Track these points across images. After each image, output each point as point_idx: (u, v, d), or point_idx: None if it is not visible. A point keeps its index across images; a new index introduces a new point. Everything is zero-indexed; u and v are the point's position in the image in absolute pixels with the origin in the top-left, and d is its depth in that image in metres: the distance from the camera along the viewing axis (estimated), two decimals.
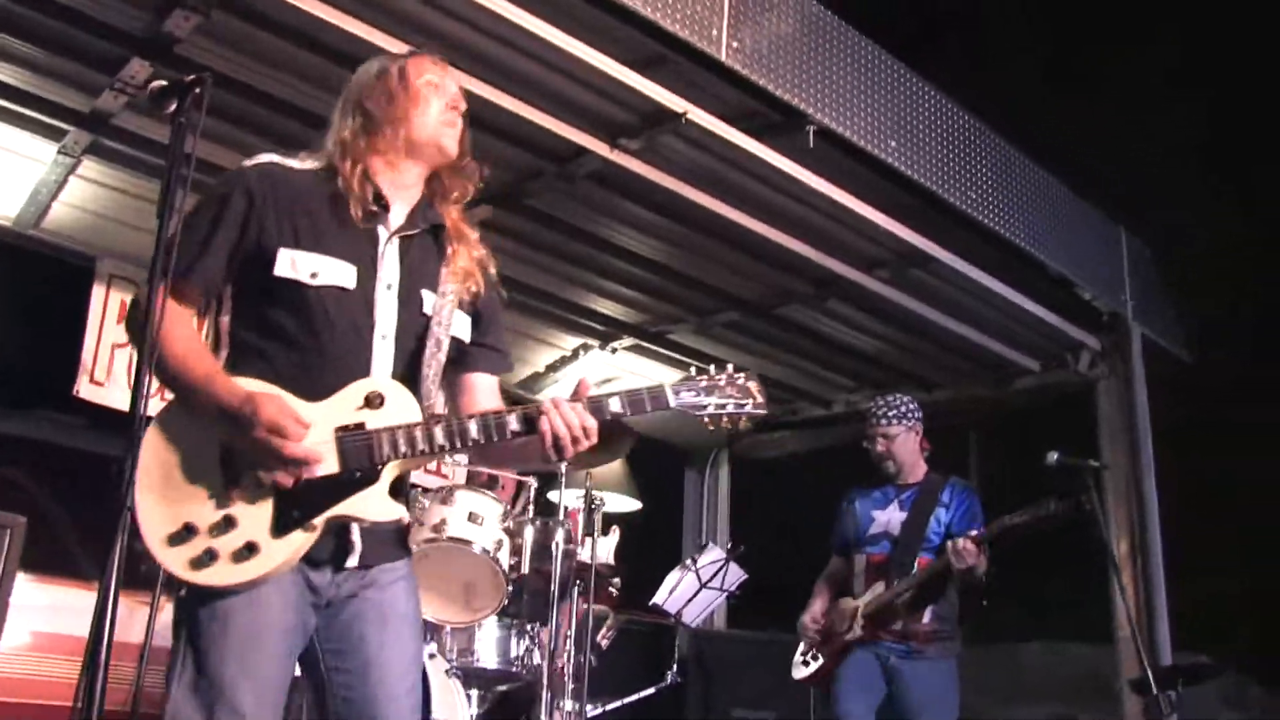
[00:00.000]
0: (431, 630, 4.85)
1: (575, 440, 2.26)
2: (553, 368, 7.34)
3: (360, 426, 2.24)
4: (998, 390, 7.14)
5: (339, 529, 2.26)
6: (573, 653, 5.21)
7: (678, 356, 7.08)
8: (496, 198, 5.28)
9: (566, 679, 5.12)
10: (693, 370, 2.42)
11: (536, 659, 5.13)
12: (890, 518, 4.71)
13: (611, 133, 4.79)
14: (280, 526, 2.17)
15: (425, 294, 2.42)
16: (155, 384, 2.16)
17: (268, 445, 2.14)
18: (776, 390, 7.46)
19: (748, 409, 2.41)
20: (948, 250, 5.73)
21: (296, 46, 4.23)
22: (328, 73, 4.32)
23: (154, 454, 2.20)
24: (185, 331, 2.25)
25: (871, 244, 5.66)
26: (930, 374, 7.20)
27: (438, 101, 2.48)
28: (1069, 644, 11.01)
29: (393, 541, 2.39)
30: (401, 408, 2.27)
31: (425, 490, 4.99)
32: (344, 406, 2.25)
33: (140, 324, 2.13)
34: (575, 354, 7.18)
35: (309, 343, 2.29)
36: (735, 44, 4.56)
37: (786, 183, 5.07)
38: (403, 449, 2.23)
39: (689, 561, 6.08)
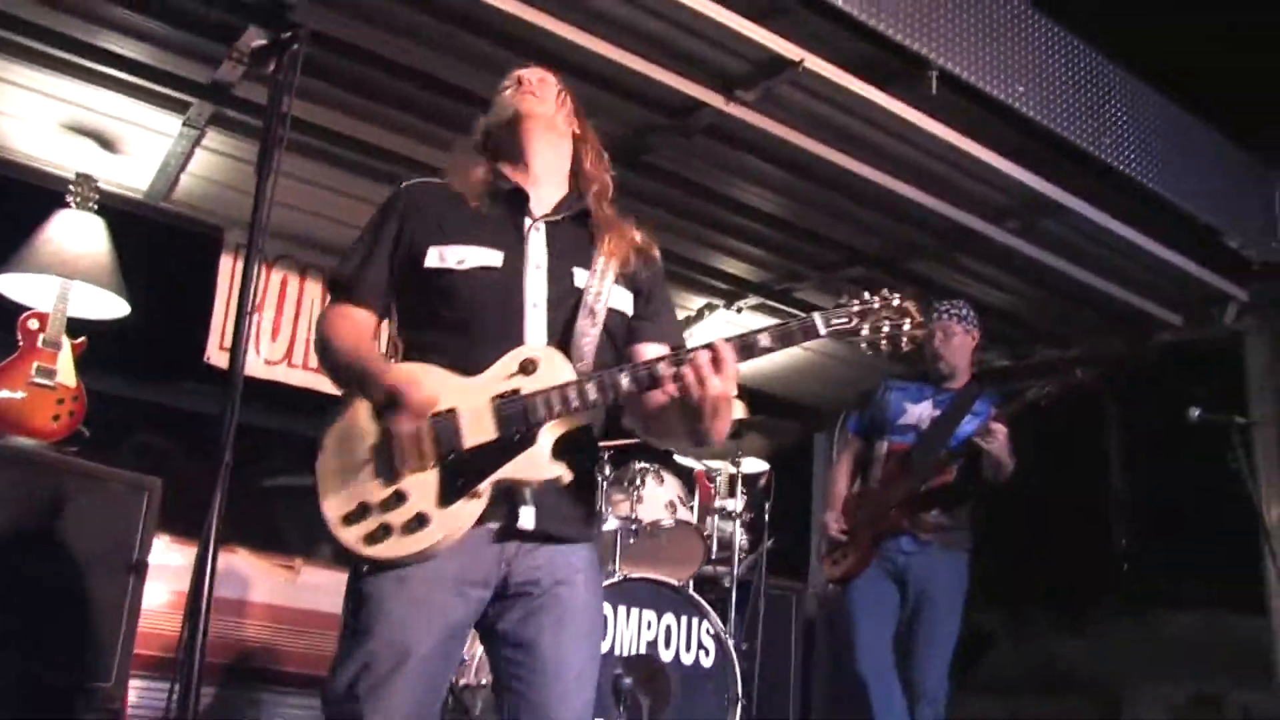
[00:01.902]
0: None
1: (700, 381, 2.23)
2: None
3: (515, 392, 2.29)
4: (1136, 345, 6.84)
5: (508, 498, 2.31)
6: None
7: (802, 315, 6.94)
8: (611, 154, 5.22)
9: None
10: (844, 297, 2.40)
11: None
12: (922, 412, 4.79)
13: (727, 84, 4.69)
14: (447, 496, 2.24)
15: (576, 270, 2.49)
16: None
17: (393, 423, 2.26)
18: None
19: (906, 329, 2.37)
20: (1080, 199, 5.47)
21: (410, 9, 4.24)
22: (441, 34, 4.36)
23: (331, 441, 2.34)
24: (351, 326, 2.44)
25: (999, 193, 5.44)
26: (1065, 329, 6.93)
27: (508, 85, 2.67)
28: (1223, 614, 10.60)
29: (574, 519, 2.44)
30: (554, 370, 2.33)
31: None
32: (500, 375, 2.33)
33: (320, 339, 2.48)
34: (700, 314, 7.10)
35: (463, 322, 2.39)
36: None
37: (909, 131, 4.90)
38: (556, 408, 2.27)
39: None
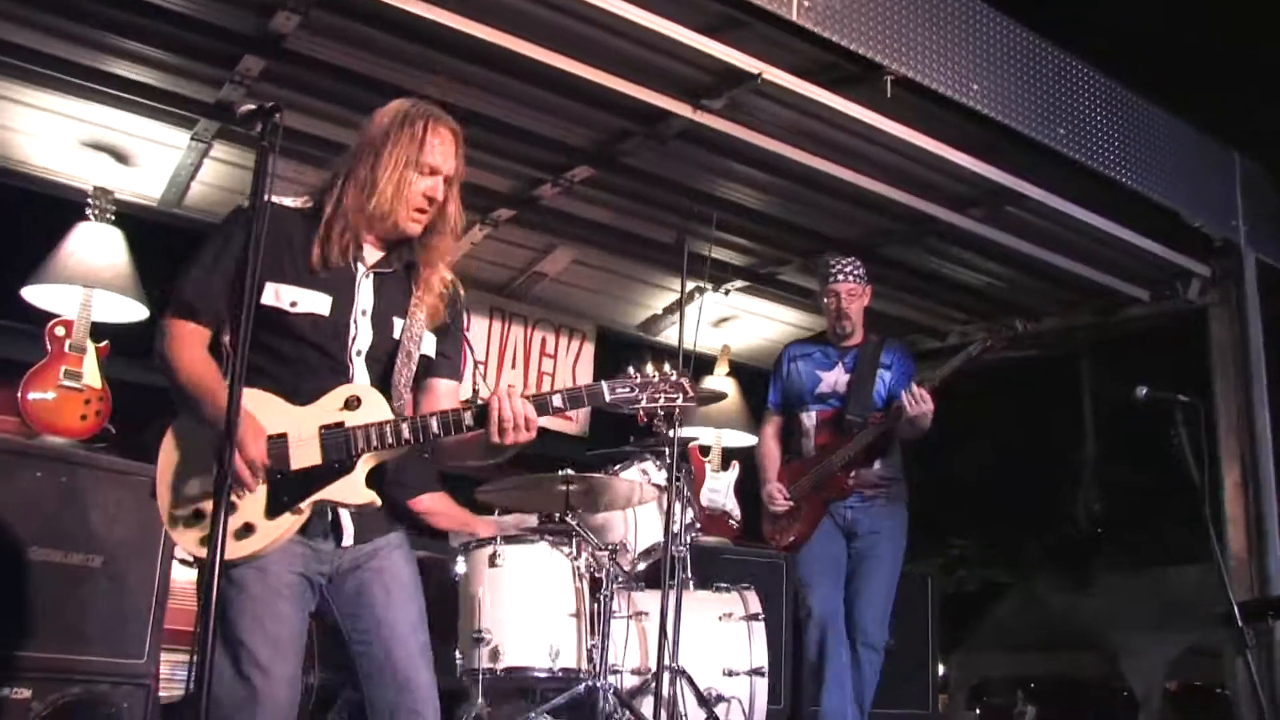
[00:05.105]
0: None
1: (516, 428, 2.65)
2: (670, 310, 7.63)
3: (340, 425, 2.64)
4: (1107, 319, 7.15)
5: (330, 512, 2.68)
6: None
7: (788, 295, 7.30)
8: (593, 158, 5.57)
9: None
10: (629, 370, 2.78)
11: None
12: (836, 378, 5.09)
13: (693, 94, 4.98)
14: (272, 510, 2.59)
15: (396, 320, 2.81)
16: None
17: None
18: (891, 325, 7.58)
19: (679, 402, 2.76)
20: (1040, 186, 5.75)
21: (392, 35, 4.57)
22: (422, 56, 4.69)
23: (170, 451, 2.65)
24: (196, 353, 2.67)
25: (961, 184, 5.74)
26: (1039, 305, 7.22)
27: (415, 191, 2.75)
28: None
29: (383, 518, 2.80)
30: (375, 409, 2.68)
31: None
32: (327, 408, 2.67)
33: (165, 361, 2.65)
34: (691, 295, 7.40)
35: (295, 358, 2.70)
36: (806, 3, 4.69)
37: (869, 131, 5.19)
38: (374, 442, 2.63)
39: None
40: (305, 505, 2.60)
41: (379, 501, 2.68)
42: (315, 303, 2.71)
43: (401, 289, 2.84)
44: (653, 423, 2.87)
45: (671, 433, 4.52)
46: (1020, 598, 12.31)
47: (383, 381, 2.76)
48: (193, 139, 5.44)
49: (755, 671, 4.89)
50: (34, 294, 5.36)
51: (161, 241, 6.05)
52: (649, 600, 4.93)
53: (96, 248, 5.35)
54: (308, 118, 5.14)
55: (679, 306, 7.44)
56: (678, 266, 6.84)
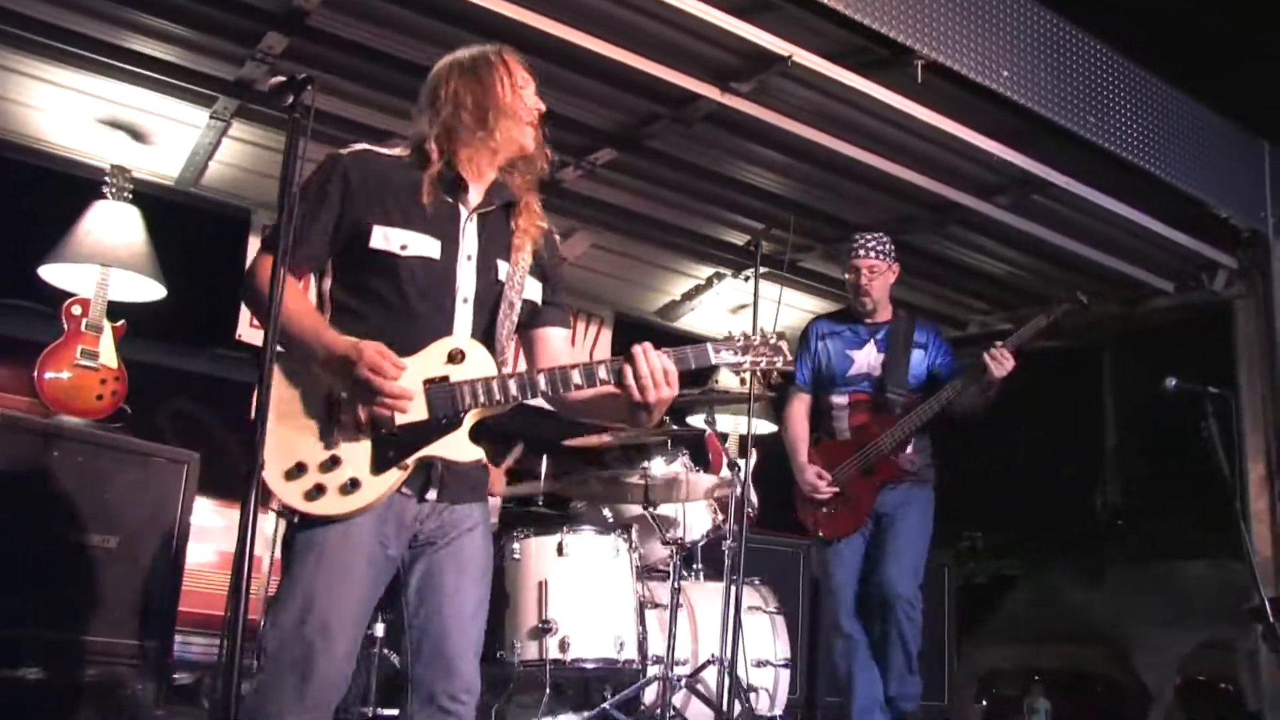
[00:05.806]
0: None
1: (657, 384, 2.57)
2: (688, 296, 7.57)
3: (445, 379, 2.57)
4: (1131, 310, 7.07)
5: (426, 467, 2.60)
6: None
7: (809, 282, 7.22)
8: (617, 140, 5.51)
9: None
10: (730, 332, 2.77)
11: None
12: (869, 359, 4.94)
13: (722, 77, 4.92)
14: (378, 465, 2.53)
15: (500, 263, 2.73)
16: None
17: (369, 384, 2.47)
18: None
19: (779, 364, 2.74)
20: (1068, 175, 5.69)
21: (415, 12, 4.52)
22: (447, 34, 4.60)
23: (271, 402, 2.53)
24: (293, 293, 2.54)
25: (988, 171, 5.68)
26: (1062, 295, 7.13)
27: (525, 109, 2.76)
28: (1231, 563, 10.74)
29: (472, 485, 2.72)
30: (480, 363, 2.61)
31: None
32: (431, 361, 2.59)
33: (251, 288, 2.59)
34: (710, 282, 7.37)
35: (400, 305, 2.62)
36: None
37: (897, 116, 5.13)
38: (481, 399, 2.57)
39: None
40: (411, 461, 2.55)
41: (485, 458, 2.63)
42: (425, 246, 2.65)
43: (503, 229, 2.78)
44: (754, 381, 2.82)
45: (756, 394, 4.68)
46: (1032, 589, 12.21)
47: (486, 333, 2.70)
48: (211, 117, 5.37)
49: (781, 663, 5.01)
50: (51, 273, 5.31)
51: (178, 220, 6.00)
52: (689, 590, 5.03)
53: (114, 226, 5.30)
54: (330, 97, 5.08)
55: (697, 292, 7.44)
56: (697, 252, 6.89)
